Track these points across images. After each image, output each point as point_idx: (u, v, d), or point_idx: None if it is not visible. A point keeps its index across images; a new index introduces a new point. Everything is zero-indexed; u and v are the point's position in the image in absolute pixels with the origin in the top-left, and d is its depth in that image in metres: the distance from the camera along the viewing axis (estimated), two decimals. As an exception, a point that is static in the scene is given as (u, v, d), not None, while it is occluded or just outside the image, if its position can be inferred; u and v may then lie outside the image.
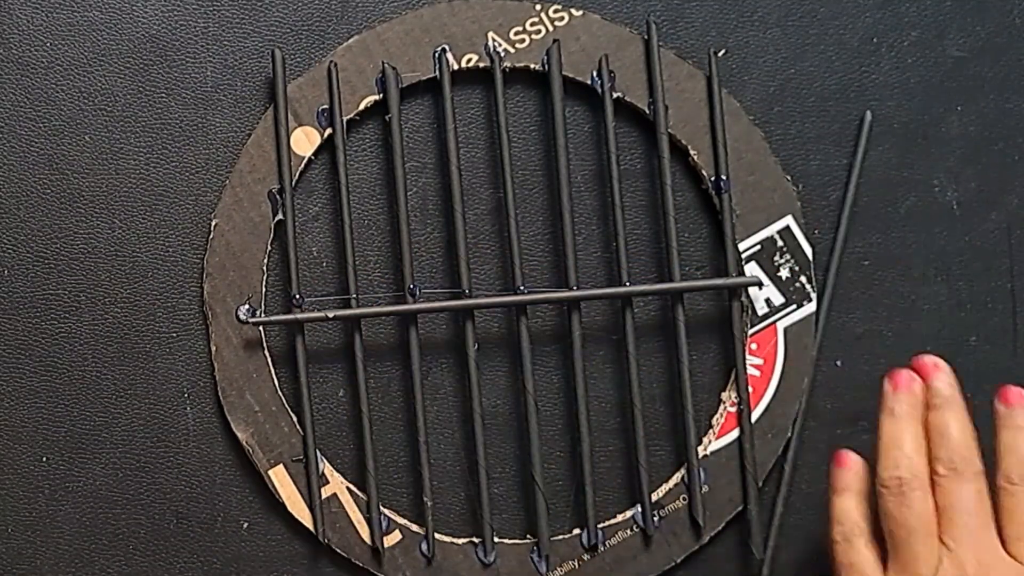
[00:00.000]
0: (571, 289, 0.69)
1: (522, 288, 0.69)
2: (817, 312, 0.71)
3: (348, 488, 0.69)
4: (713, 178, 0.71)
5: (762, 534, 0.70)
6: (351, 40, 0.69)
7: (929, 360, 0.65)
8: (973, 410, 0.72)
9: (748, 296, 0.71)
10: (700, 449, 0.70)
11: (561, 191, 0.69)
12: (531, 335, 0.69)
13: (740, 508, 0.71)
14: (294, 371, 0.69)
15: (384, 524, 0.69)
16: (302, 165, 0.69)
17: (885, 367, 0.71)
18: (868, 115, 0.71)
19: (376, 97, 0.69)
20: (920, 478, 0.63)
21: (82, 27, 0.69)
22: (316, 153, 0.69)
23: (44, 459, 0.68)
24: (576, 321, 0.69)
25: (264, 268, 0.69)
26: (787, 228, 0.71)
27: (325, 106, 0.69)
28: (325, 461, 0.69)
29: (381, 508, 0.69)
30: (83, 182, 0.68)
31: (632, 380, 0.69)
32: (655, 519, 0.70)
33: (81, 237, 0.68)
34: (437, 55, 0.69)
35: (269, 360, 0.69)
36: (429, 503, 0.69)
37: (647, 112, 0.70)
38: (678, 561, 0.70)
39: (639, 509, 0.70)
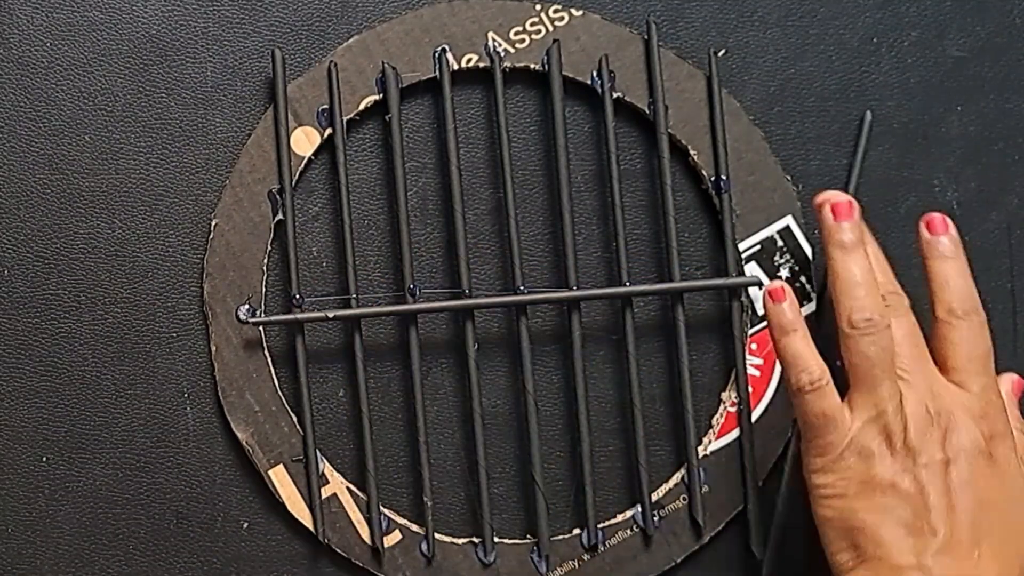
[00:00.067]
0: (571, 289, 0.69)
1: (522, 288, 0.69)
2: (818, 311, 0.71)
3: (348, 488, 0.69)
4: (713, 178, 0.71)
5: (762, 534, 0.71)
6: (351, 40, 0.69)
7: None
8: (973, 410, 0.72)
9: (748, 296, 0.71)
10: (700, 449, 0.70)
11: (561, 191, 0.69)
12: (531, 335, 0.69)
13: (740, 508, 0.71)
14: (294, 371, 0.69)
15: (384, 524, 0.69)
16: (302, 165, 0.69)
17: (885, 367, 0.71)
18: (868, 115, 0.71)
19: (376, 97, 0.69)
20: (884, 315, 0.64)
21: (82, 27, 0.69)
22: (316, 153, 0.69)
23: (44, 459, 0.68)
24: (576, 321, 0.69)
25: (264, 268, 0.69)
26: (787, 228, 0.71)
27: (325, 106, 0.69)
28: (325, 461, 0.69)
29: (381, 508, 0.69)
30: (83, 182, 0.68)
31: (632, 380, 0.69)
32: (655, 519, 0.70)
33: (81, 237, 0.68)
34: (437, 55, 0.69)
35: (269, 360, 0.69)
36: (429, 503, 0.69)
37: (647, 112, 0.70)
38: (678, 561, 0.70)
39: (639, 509, 0.70)
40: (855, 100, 0.72)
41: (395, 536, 0.69)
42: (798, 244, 0.71)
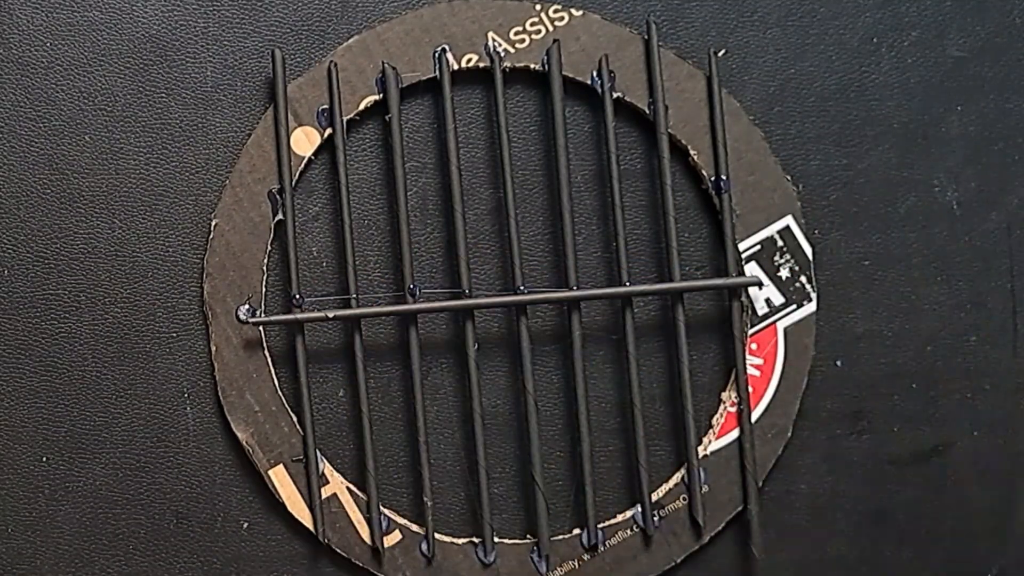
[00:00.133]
0: (571, 289, 0.69)
1: (522, 288, 0.69)
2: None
3: (348, 488, 0.69)
4: (713, 178, 0.71)
5: (762, 534, 0.70)
6: (351, 40, 0.69)
7: None
8: (973, 410, 0.72)
9: (748, 296, 0.71)
10: (700, 449, 0.70)
11: (561, 191, 0.69)
12: (531, 335, 0.69)
13: (740, 508, 0.71)
14: (294, 371, 0.69)
15: (384, 524, 0.69)
16: (302, 165, 0.69)
17: (885, 367, 0.72)
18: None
19: (376, 97, 0.69)
20: None
21: (82, 27, 0.69)
22: (316, 153, 0.69)
23: (44, 459, 0.68)
24: (576, 321, 0.69)
25: (264, 268, 0.69)
26: (787, 228, 0.71)
27: (325, 106, 0.69)
28: (325, 461, 0.69)
29: (381, 508, 0.69)
30: (83, 182, 0.68)
31: (632, 380, 0.69)
32: (655, 519, 0.70)
33: (81, 237, 0.68)
34: (437, 55, 0.69)
35: (269, 360, 0.69)
36: (429, 503, 0.69)
37: (647, 112, 0.70)
38: (678, 561, 0.70)
39: (639, 509, 0.70)
40: (855, 100, 0.72)
41: (395, 536, 0.69)
42: (798, 244, 0.71)
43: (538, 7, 0.70)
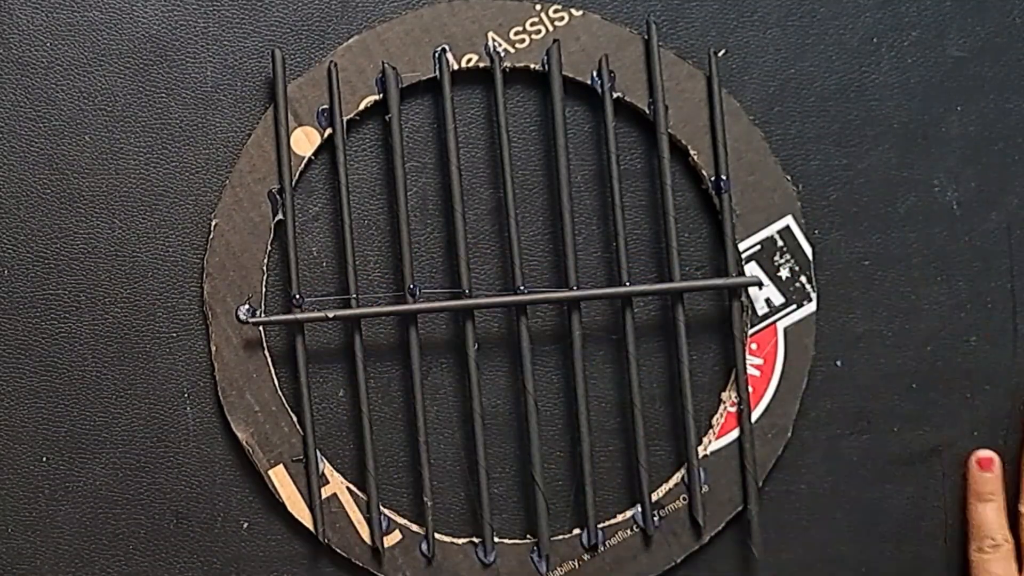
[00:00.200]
0: (571, 289, 0.69)
1: (522, 288, 0.69)
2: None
3: (348, 488, 0.69)
4: (713, 178, 0.71)
5: (762, 534, 0.70)
6: (351, 40, 0.69)
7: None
8: (973, 410, 0.72)
9: (748, 296, 0.71)
10: (700, 449, 0.70)
11: (561, 191, 0.69)
12: (531, 335, 0.69)
13: (740, 508, 0.71)
14: (294, 371, 0.69)
15: (384, 524, 0.69)
16: (302, 165, 0.69)
17: (885, 367, 0.72)
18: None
19: (376, 97, 0.69)
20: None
21: (82, 27, 0.69)
22: (316, 153, 0.69)
23: (44, 459, 0.68)
24: (576, 321, 0.69)
25: (264, 268, 0.69)
26: (787, 228, 0.71)
27: (325, 106, 0.69)
28: (325, 461, 0.69)
29: (381, 508, 0.69)
30: (83, 182, 0.68)
31: (632, 380, 0.69)
32: (655, 519, 0.70)
33: (81, 237, 0.68)
34: (437, 55, 0.69)
35: (269, 360, 0.69)
36: (429, 503, 0.69)
37: (647, 112, 0.70)
38: (678, 561, 0.70)
39: (639, 509, 0.70)
40: (855, 100, 0.72)
41: (395, 536, 0.69)
42: (798, 244, 0.71)
43: (538, 7, 0.70)
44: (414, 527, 0.69)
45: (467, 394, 0.69)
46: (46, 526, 0.68)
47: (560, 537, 0.70)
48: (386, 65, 0.69)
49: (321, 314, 0.68)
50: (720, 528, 0.70)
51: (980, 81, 0.73)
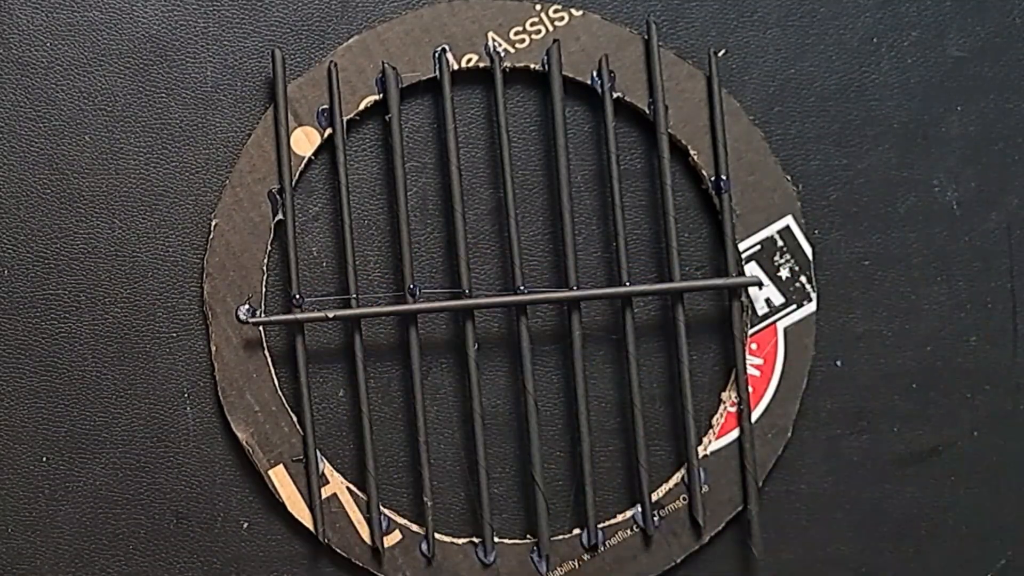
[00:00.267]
0: (571, 289, 0.69)
1: (522, 288, 0.69)
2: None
3: (348, 488, 0.69)
4: (713, 178, 0.71)
5: (762, 534, 0.70)
6: (351, 40, 0.69)
7: None
8: (973, 410, 0.72)
9: (748, 296, 0.71)
10: (700, 449, 0.70)
11: (561, 191, 0.69)
12: (531, 335, 0.69)
13: (740, 508, 0.71)
14: (294, 371, 0.69)
15: (384, 524, 0.69)
16: (302, 165, 0.69)
17: (885, 367, 0.72)
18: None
19: (376, 97, 0.69)
20: None
21: (82, 27, 0.69)
22: (316, 153, 0.69)
23: (44, 459, 0.68)
24: (576, 321, 0.69)
25: (264, 268, 0.69)
26: (787, 228, 0.71)
27: (325, 106, 0.69)
28: (325, 461, 0.69)
29: (381, 508, 0.69)
30: (83, 182, 0.68)
31: (632, 380, 0.69)
32: (655, 519, 0.70)
33: (81, 237, 0.68)
34: (437, 55, 0.69)
35: (269, 360, 0.69)
36: (429, 503, 0.69)
37: (647, 112, 0.70)
38: (678, 561, 0.70)
39: (639, 509, 0.70)
40: (855, 100, 0.72)
41: (395, 536, 0.69)
42: (798, 244, 0.71)
43: (538, 7, 0.70)
44: (414, 527, 0.69)
45: (467, 394, 0.69)
46: (46, 526, 0.68)
47: (560, 537, 0.70)
48: (386, 65, 0.69)
49: (321, 314, 0.68)
50: (720, 528, 0.71)
51: (980, 81, 0.73)
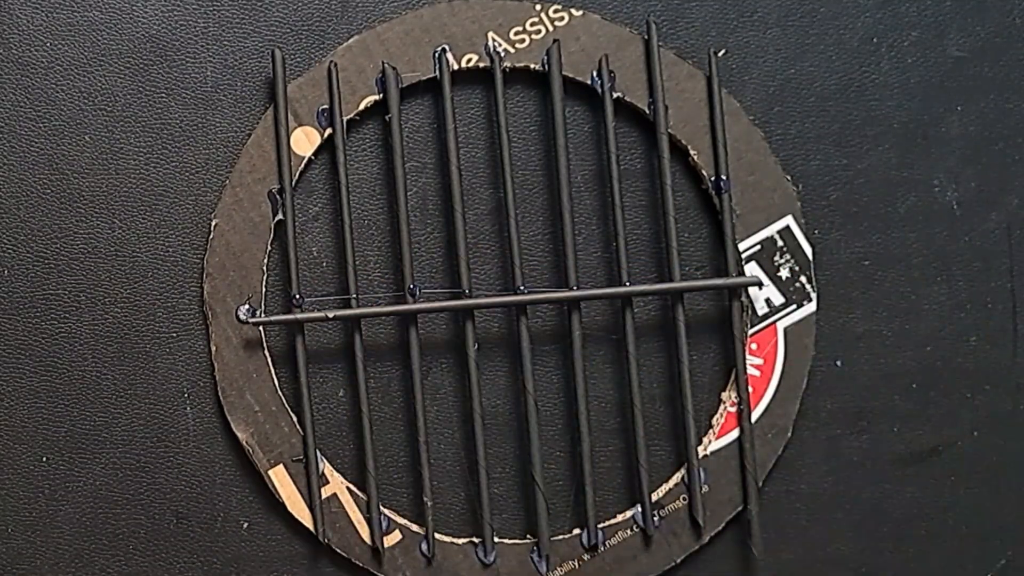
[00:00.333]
0: (571, 289, 0.69)
1: (522, 288, 0.69)
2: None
3: (348, 488, 0.69)
4: (713, 178, 0.71)
5: (762, 534, 0.70)
6: (351, 40, 0.69)
7: None
8: (973, 410, 0.72)
9: (748, 296, 0.71)
10: (700, 449, 0.70)
11: (561, 191, 0.69)
12: (531, 335, 0.69)
13: (740, 508, 0.71)
14: (294, 371, 0.69)
15: (384, 524, 0.69)
16: (302, 165, 0.69)
17: (885, 367, 0.72)
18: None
19: (376, 97, 0.69)
20: None
21: (82, 27, 0.69)
22: (316, 153, 0.69)
23: (44, 459, 0.68)
24: (576, 321, 0.69)
25: (264, 268, 0.69)
26: (787, 228, 0.71)
27: (325, 106, 0.69)
28: (325, 461, 0.69)
29: (381, 508, 0.69)
30: (83, 182, 0.68)
31: (632, 380, 0.69)
32: (655, 519, 0.70)
33: (81, 237, 0.68)
34: (437, 55, 0.69)
35: (269, 360, 0.69)
36: (429, 503, 0.69)
37: (647, 112, 0.70)
38: (678, 561, 0.70)
39: (639, 509, 0.70)
40: (855, 100, 0.72)
41: (395, 536, 0.69)
42: (798, 244, 0.71)
43: (538, 7, 0.70)
44: (414, 527, 0.69)
45: (467, 394, 0.69)
46: (46, 526, 0.68)
47: (560, 537, 0.70)
48: (386, 65, 0.69)
49: (321, 314, 0.68)
50: (720, 528, 0.71)
51: (980, 81, 0.73)
